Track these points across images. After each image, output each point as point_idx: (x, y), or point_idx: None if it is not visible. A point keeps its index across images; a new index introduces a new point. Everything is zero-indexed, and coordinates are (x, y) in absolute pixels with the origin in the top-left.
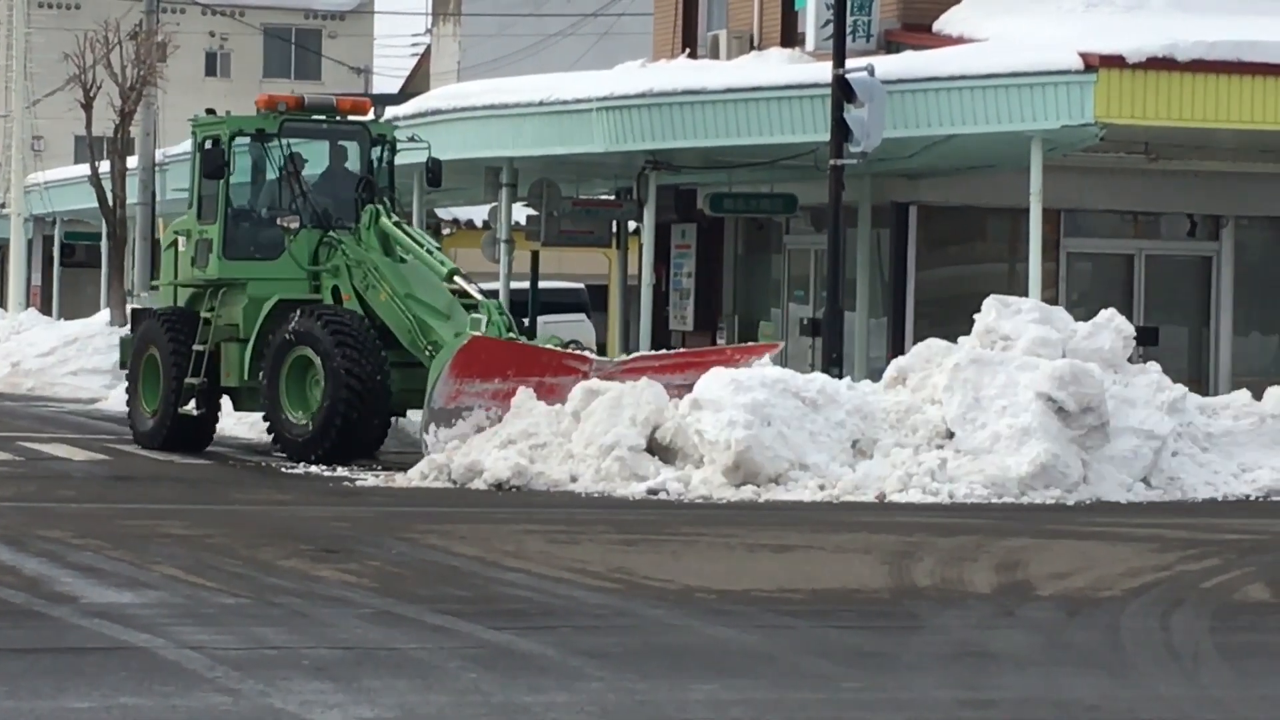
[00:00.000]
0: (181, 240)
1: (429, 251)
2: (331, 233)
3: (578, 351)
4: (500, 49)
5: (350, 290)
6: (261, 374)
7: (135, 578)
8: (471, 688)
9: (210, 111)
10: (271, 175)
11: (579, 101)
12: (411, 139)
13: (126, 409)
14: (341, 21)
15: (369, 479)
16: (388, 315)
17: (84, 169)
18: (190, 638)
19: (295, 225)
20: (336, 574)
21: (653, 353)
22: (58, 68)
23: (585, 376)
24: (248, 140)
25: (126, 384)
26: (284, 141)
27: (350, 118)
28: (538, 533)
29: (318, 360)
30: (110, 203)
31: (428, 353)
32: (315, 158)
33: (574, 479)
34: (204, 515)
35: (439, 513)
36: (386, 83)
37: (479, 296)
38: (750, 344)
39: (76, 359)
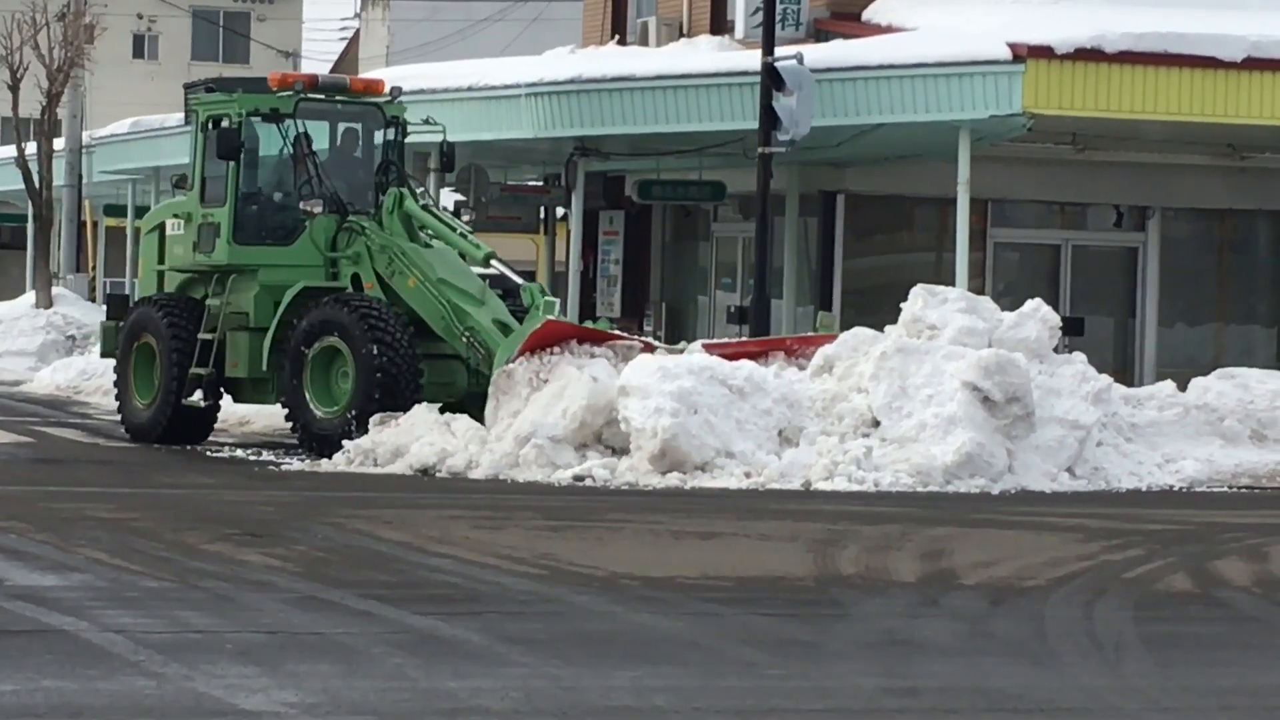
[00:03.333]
0: (173, 223)
1: (462, 236)
2: (352, 217)
3: (644, 339)
4: (429, 34)
5: (372, 277)
6: (281, 365)
7: (59, 561)
8: (396, 673)
9: (210, 89)
10: (285, 157)
11: (508, 87)
12: (426, 121)
13: (115, 401)
14: (270, 5)
15: (294, 463)
16: (418, 302)
17: (10, 151)
18: (114, 621)
19: (319, 210)
20: (261, 558)
21: (714, 340)
22: None
23: None
24: (258, 120)
25: (115, 376)
26: (299, 122)
27: (364, 98)
28: (463, 518)
29: (346, 351)
30: (36, 185)
31: (464, 339)
32: (325, 139)
33: (489, 465)
34: (129, 498)
35: (364, 497)
36: (315, 67)
37: (519, 280)
38: (810, 334)
39: (1, 341)
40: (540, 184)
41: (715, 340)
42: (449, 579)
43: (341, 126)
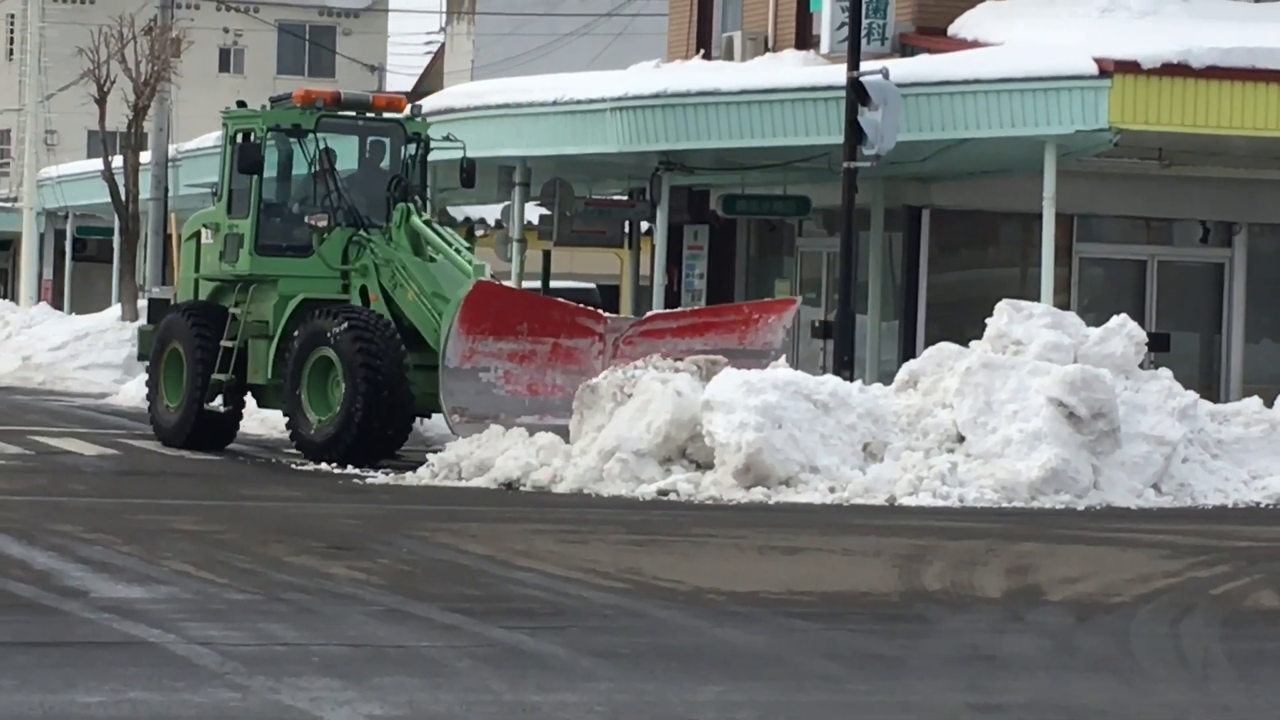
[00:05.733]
0: (206, 233)
1: (458, 251)
2: (362, 231)
3: (591, 309)
4: (514, 48)
5: (377, 290)
6: (284, 373)
7: (145, 573)
8: (481, 686)
9: (241, 104)
10: (306, 171)
11: (593, 101)
12: (446, 138)
13: (146, 404)
14: (356, 19)
15: (379, 476)
16: (414, 315)
17: (97, 164)
18: (200, 633)
19: (323, 224)
20: (346, 571)
21: (668, 311)
22: (72, 62)
23: (600, 338)
24: (282, 135)
25: (147, 379)
26: (320, 137)
27: (385, 115)
28: (548, 532)
29: (336, 359)
30: (123, 198)
31: None
32: (349, 154)
33: (573, 479)
34: (214, 511)
35: (449, 511)
36: (400, 81)
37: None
38: (768, 300)
39: (87, 353)
40: (625, 198)
41: (665, 311)
42: (534, 593)
43: (362, 142)
